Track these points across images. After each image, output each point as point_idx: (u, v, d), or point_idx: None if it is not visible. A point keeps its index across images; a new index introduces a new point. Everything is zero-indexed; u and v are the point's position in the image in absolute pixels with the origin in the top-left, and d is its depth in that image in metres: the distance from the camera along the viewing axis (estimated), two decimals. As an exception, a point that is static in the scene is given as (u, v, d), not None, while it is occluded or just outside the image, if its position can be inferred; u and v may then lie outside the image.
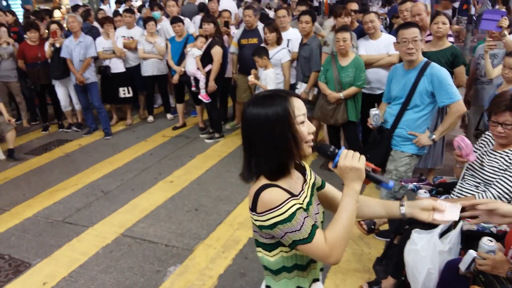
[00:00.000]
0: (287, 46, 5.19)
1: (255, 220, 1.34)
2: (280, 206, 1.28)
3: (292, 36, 5.25)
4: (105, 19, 6.46)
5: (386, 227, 3.45)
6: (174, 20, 6.01)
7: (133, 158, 5.36)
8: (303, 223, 1.28)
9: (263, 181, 1.35)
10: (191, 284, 3.02)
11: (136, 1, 11.00)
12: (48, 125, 6.64)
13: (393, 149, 3.16)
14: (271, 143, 1.31)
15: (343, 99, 4.21)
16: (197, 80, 5.70)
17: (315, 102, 4.80)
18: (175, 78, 6.06)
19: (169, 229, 3.72)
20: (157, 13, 6.80)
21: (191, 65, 5.64)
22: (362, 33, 4.72)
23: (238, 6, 8.55)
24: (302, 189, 1.43)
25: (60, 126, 6.64)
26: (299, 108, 1.33)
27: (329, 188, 1.61)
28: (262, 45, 5.18)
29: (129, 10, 6.85)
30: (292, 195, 1.33)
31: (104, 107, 6.24)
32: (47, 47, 6.09)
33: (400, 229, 2.77)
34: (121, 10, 8.48)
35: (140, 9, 8.16)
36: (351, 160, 1.32)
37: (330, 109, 4.26)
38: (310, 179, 1.51)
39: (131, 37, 6.49)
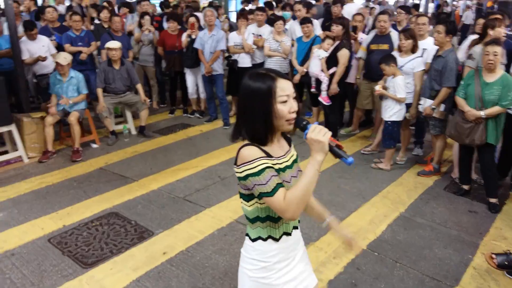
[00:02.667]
0: (421, 55, 4.90)
1: (236, 172, 1.57)
2: (253, 162, 1.51)
3: (429, 46, 4.94)
4: (240, 15, 6.76)
5: None
6: (304, 21, 6.07)
7: (248, 150, 5.51)
8: (269, 179, 1.49)
9: (246, 141, 1.57)
10: (300, 283, 3.00)
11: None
12: (175, 109, 7.18)
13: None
14: (251, 114, 1.54)
15: (484, 118, 3.84)
16: (318, 82, 5.68)
17: (443, 119, 4.50)
18: (296, 78, 6.11)
19: (280, 224, 3.75)
20: (287, 13, 6.94)
21: (315, 66, 5.63)
22: (510, 49, 4.28)
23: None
24: (284, 155, 1.64)
25: (184, 111, 7.14)
26: (283, 89, 1.53)
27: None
28: (394, 52, 4.98)
29: (261, 9, 7.08)
30: (268, 156, 1.55)
31: (226, 99, 6.54)
32: (184, 37, 6.56)
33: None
34: (248, 8, 8.82)
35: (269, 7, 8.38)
36: (317, 133, 1.48)
37: (467, 128, 3.91)
38: (294, 151, 1.73)
39: (260, 35, 6.69)
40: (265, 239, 1.66)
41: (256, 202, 1.61)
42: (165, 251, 3.35)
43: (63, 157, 5.34)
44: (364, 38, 5.83)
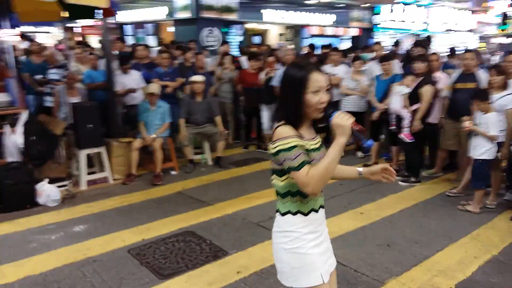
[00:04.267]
0: (513, 93, 4.62)
1: (271, 149, 1.71)
2: (286, 138, 1.67)
3: (521, 83, 4.66)
4: (308, 54, 6.91)
5: None
6: (384, 59, 6.05)
7: (323, 185, 5.41)
8: (297, 156, 1.66)
9: (282, 122, 1.74)
10: (382, 316, 2.77)
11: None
12: (249, 144, 7.32)
13: None
14: (286, 99, 1.74)
15: None
16: (398, 119, 5.52)
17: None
18: (375, 115, 6.00)
19: (359, 256, 3.55)
20: (366, 55, 6.96)
21: (396, 103, 5.51)
22: None
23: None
24: (313, 139, 1.80)
25: (258, 147, 7.24)
26: (316, 80, 1.70)
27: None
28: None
29: (336, 49, 7.21)
30: (299, 137, 1.70)
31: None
32: (262, 75, 6.80)
33: None
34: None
35: (347, 52, 8.50)
36: (340, 119, 1.67)
37: None
38: (319, 139, 1.87)
39: (335, 74, 6.75)
40: (294, 213, 1.80)
41: (289, 177, 1.75)
42: (239, 271, 3.29)
43: (145, 181, 5.60)
44: (441, 77, 5.62)
